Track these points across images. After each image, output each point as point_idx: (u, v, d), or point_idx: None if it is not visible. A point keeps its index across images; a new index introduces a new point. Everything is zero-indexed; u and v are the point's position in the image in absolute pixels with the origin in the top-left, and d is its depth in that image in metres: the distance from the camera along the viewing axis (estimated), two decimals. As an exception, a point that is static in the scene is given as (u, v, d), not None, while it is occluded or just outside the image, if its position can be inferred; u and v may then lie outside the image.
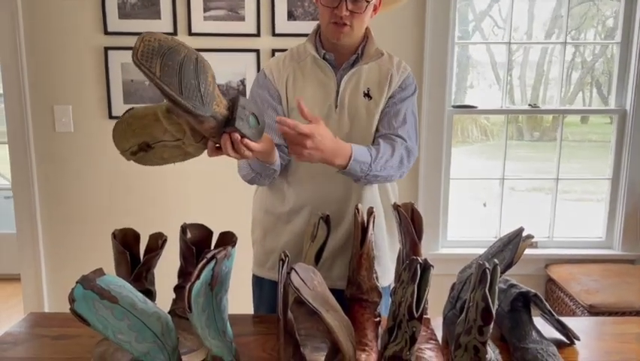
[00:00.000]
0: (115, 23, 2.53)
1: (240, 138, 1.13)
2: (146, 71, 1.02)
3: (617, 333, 1.34)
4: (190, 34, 2.52)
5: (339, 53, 1.49)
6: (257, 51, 2.56)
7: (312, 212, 1.42)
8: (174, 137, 1.14)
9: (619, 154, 2.79)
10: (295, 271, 0.99)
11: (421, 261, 0.97)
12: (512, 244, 1.16)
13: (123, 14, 2.52)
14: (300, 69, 1.51)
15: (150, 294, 1.19)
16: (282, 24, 2.54)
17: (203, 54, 1.12)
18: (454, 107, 2.74)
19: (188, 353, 1.12)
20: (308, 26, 1.55)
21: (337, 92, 1.47)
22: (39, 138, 2.65)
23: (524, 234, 1.17)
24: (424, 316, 1.04)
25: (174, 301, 1.24)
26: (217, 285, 0.96)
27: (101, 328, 0.86)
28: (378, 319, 1.22)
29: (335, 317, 0.98)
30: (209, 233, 1.25)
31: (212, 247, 1.23)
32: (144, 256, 1.19)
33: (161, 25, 2.51)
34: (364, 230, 1.25)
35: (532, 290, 1.25)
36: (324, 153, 1.30)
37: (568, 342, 1.26)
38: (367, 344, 1.15)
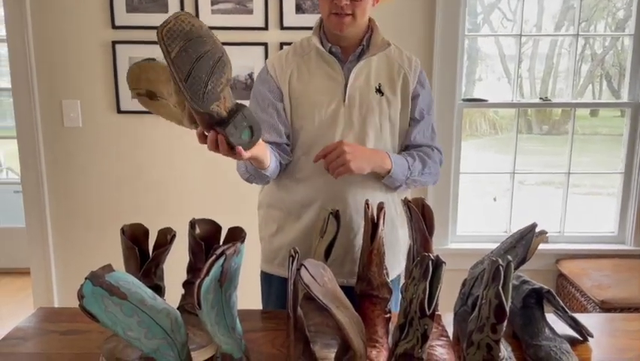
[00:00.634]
0: (123, 17, 2.52)
1: (224, 140, 1.13)
2: (164, 48, 1.02)
3: (630, 330, 1.32)
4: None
5: (344, 45, 1.47)
6: (265, 44, 2.54)
7: (322, 207, 1.41)
8: (175, 105, 1.15)
9: (632, 148, 2.75)
10: (305, 267, 0.98)
11: (432, 257, 0.95)
12: (525, 240, 1.14)
13: (131, 8, 2.51)
14: (305, 63, 1.49)
15: (159, 290, 1.19)
16: (291, 17, 2.52)
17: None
18: (464, 100, 2.71)
19: (197, 350, 1.12)
20: (316, 19, 1.53)
21: (345, 85, 1.46)
22: (48, 132, 2.65)
23: (537, 230, 1.15)
24: (436, 312, 1.03)
25: (183, 297, 1.23)
26: (226, 281, 0.95)
27: (110, 324, 0.86)
28: (388, 315, 1.21)
29: (345, 314, 0.97)
30: (218, 228, 1.24)
31: (221, 243, 1.22)
32: (153, 251, 1.19)
33: (169, 19, 2.50)
34: (375, 226, 1.24)
35: (545, 287, 1.23)
36: (365, 156, 1.36)
37: (581, 339, 1.25)
38: (378, 340, 1.14)
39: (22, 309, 3.27)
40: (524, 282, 1.26)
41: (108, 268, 0.89)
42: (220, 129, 1.11)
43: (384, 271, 1.22)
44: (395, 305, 1.41)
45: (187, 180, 2.69)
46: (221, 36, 2.83)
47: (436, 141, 1.58)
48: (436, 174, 1.55)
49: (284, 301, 1.24)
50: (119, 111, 2.60)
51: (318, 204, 1.46)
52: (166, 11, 2.49)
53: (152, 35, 2.81)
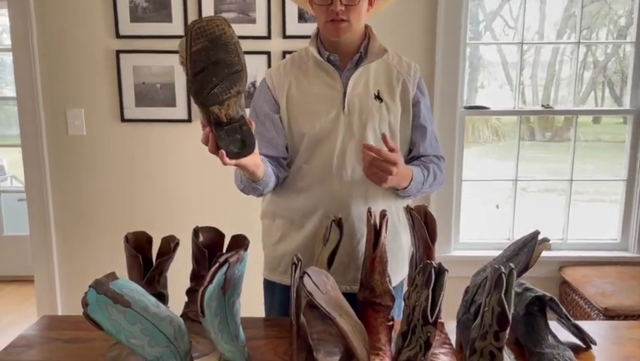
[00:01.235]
0: (127, 27, 2.54)
1: (214, 140, 1.16)
2: (188, 41, 1.09)
3: (634, 337, 1.32)
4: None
5: (341, 53, 1.48)
6: (268, 53, 2.56)
7: (325, 215, 1.41)
8: None
9: (634, 155, 2.75)
10: (308, 274, 0.98)
11: (435, 265, 0.96)
12: (528, 248, 1.14)
13: (135, 18, 2.53)
14: (303, 73, 1.49)
15: (162, 297, 1.19)
16: (293, 26, 2.53)
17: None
18: (465, 108, 2.72)
19: (200, 357, 1.12)
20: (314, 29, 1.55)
21: (344, 93, 1.46)
22: (52, 141, 2.67)
23: (540, 237, 1.15)
24: (438, 320, 1.03)
25: (187, 305, 1.23)
26: (229, 289, 0.96)
27: (114, 332, 0.86)
28: (391, 323, 1.21)
29: (348, 322, 0.97)
30: (222, 236, 1.24)
31: (225, 251, 1.23)
32: (157, 259, 1.19)
33: (173, 28, 2.52)
34: (377, 233, 1.24)
35: (548, 294, 1.23)
36: (399, 178, 1.35)
37: (584, 346, 1.24)
38: (381, 348, 1.14)
39: (26, 317, 3.28)
40: (527, 289, 1.26)
41: (112, 276, 0.89)
42: (213, 129, 1.15)
43: (387, 279, 1.23)
44: (398, 312, 1.41)
45: (190, 188, 2.70)
46: (225, 45, 2.82)
47: (441, 149, 1.60)
48: (441, 183, 1.56)
49: (287, 309, 1.24)
50: (123, 120, 2.62)
51: (320, 212, 1.46)
52: (170, 21, 2.52)
53: (156, 44, 2.84)
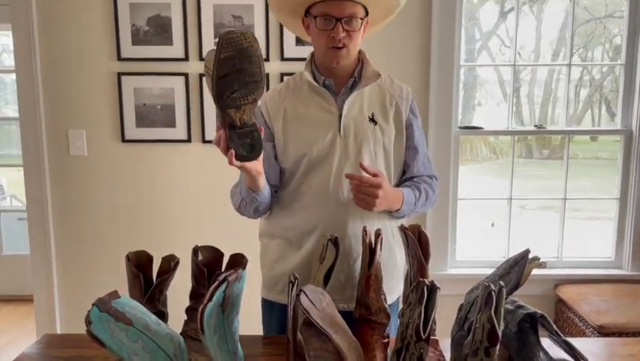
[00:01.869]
0: (128, 50, 2.59)
1: (226, 141, 1.26)
2: (218, 48, 1.20)
3: (628, 354, 1.34)
4: (201, 59, 2.57)
5: (336, 77, 1.52)
6: (266, 75, 2.60)
7: (322, 235, 1.44)
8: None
9: (626, 174, 2.79)
10: (304, 292, 1.01)
11: (427, 283, 0.98)
12: (519, 266, 1.17)
13: (136, 41, 2.58)
14: (298, 97, 1.53)
15: (163, 315, 1.21)
16: (291, 49, 2.59)
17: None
18: (460, 128, 2.77)
19: (199, 374, 1.14)
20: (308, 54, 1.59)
21: (340, 117, 1.50)
22: (53, 161, 2.70)
23: (531, 256, 1.18)
24: (433, 337, 1.06)
25: (186, 323, 1.25)
26: (228, 307, 0.98)
27: (116, 349, 0.89)
28: (386, 340, 1.24)
29: (344, 339, 1.00)
30: (220, 255, 1.27)
31: (223, 269, 1.25)
32: (157, 278, 1.22)
33: (173, 51, 2.57)
34: (372, 252, 1.27)
35: (539, 311, 1.25)
36: (388, 200, 1.41)
37: (576, 363, 1.26)
38: (376, 365, 1.16)
39: (25, 336, 3.28)
40: (519, 307, 1.28)
41: (114, 295, 0.92)
42: (227, 131, 1.26)
43: (382, 297, 1.25)
44: (394, 330, 1.43)
45: (190, 208, 2.72)
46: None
47: (433, 169, 1.64)
48: (434, 201, 1.61)
49: (284, 327, 1.26)
50: (124, 140, 2.66)
51: (318, 232, 1.48)
52: (170, 44, 2.57)
53: (157, 67, 2.87)
